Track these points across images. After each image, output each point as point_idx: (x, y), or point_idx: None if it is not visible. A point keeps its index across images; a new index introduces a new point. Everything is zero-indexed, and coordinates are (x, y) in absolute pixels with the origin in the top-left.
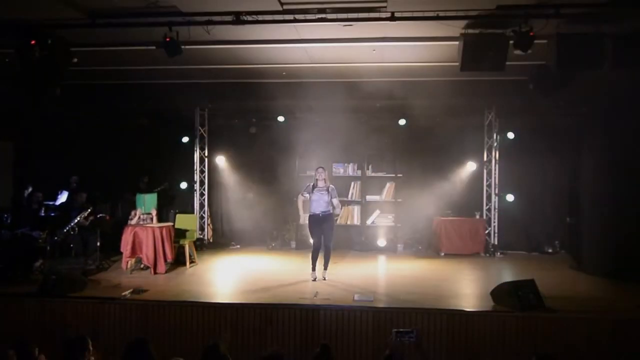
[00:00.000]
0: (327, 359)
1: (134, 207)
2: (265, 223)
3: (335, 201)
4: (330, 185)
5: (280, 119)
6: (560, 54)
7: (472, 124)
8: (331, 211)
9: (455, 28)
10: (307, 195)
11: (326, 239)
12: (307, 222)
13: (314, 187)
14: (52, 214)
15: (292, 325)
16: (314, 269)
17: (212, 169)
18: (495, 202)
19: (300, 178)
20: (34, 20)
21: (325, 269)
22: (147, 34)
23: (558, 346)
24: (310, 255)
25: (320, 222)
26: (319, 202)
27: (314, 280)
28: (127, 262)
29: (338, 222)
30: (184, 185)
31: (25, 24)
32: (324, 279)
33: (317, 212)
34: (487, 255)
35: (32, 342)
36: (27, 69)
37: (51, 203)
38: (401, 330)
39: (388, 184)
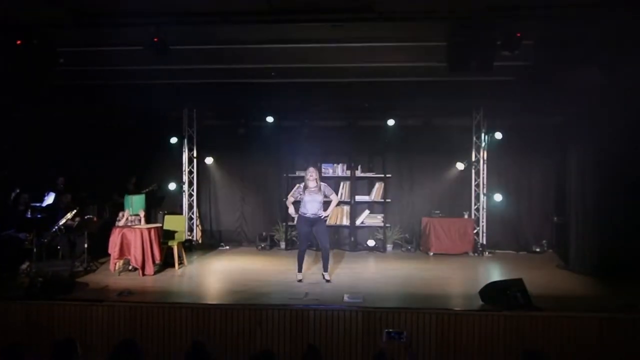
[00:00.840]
0: (315, 359)
1: (122, 209)
2: (254, 224)
3: (333, 197)
4: (322, 184)
5: (269, 119)
6: (546, 54)
7: (460, 124)
8: (322, 212)
9: (444, 29)
10: (299, 196)
11: (322, 240)
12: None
13: (305, 188)
14: (39, 216)
15: (281, 326)
16: (299, 270)
17: (201, 169)
18: (483, 201)
19: (289, 179)
20: (20, 20)
21: (325, 270)
22: (135, 34)
23: (546, 345)
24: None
25: (311, 224)
26: (312, 204)
27: (300, 281)
28: (115, 264)
29: (327, 222)
30: (172, 186)
31: (11, 24)
32: (328, 281)
33: (308, 214)
34: (476, 254)
35: (22, 345)
36: (13, 69)
37: (37, 204)
38: (392, 330)
39: (377, 184)
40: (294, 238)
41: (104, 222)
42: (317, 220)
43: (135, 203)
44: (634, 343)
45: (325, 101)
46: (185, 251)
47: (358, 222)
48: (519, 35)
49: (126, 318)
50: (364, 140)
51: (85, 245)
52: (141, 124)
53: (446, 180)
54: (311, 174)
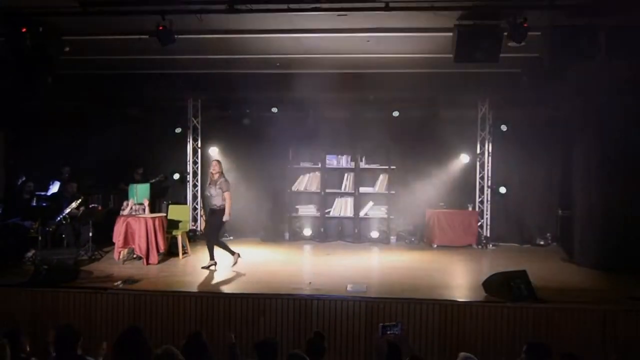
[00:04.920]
0: (320, 346)
1: (126, 198)
2: (258, 214)
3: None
4: (221, 179)
5: (274, 110)
6: (553, 45)
7: (465, 116)
8: (217, 207)
9: (450, 19)
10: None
11: None
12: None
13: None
14: (44, 204)
15: (285, 315)
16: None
17: (205, 160)
18: (488, 194)
19: (294, 169)
20: (25, 7)
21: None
22: (140, 23)
23: (549, 336)
24: None
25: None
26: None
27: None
28: (120, 253)
29: (331, 213)
30: (176, 176)
31: (16, 12)
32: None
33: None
34: (480, 247)
35: (22, 331)
36: (18, 57)
37: (43, 193)
38: (387, 324)
39: (381, 176)
40: (297, 229)
41: (109, 211)
42: (211, 212)
43: (140, 192)
44: (637, 335)
45: (329, 92)
46: (189, 241)
47: (362, 213)
48: (525, 25)
49: (130, 306)
50: (369, 131)
51: (90, 234)
52: (146, 113)
53: (451, 172)
54: (213, 166)
